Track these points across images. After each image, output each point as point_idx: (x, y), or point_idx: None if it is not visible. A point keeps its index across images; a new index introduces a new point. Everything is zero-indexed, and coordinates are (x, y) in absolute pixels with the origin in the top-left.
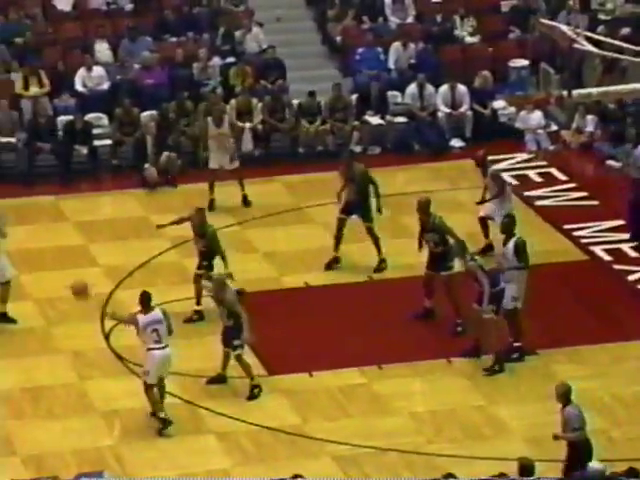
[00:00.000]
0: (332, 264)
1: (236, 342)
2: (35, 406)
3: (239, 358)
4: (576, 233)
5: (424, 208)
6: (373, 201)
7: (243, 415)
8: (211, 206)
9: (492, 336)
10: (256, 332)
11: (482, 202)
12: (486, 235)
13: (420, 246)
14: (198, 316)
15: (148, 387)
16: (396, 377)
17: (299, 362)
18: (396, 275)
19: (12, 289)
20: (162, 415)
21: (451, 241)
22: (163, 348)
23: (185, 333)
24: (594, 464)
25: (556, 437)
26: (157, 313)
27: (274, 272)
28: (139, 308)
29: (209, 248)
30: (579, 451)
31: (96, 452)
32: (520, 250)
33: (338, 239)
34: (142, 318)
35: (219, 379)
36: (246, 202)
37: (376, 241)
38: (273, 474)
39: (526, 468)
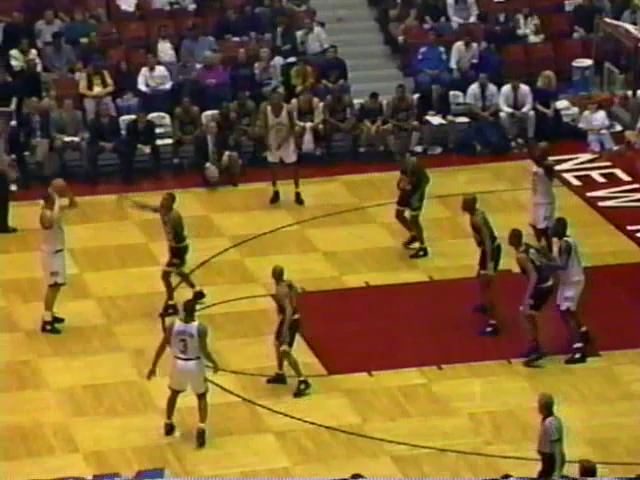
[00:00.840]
0: (410, 243)
1: (284, 337)
2: (97, 404)
3: (285, 354)
4: None
5: (469, 206)
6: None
7: (302, 414)
8: (274, 199)
9: (531, 331)
10: (316, 331)
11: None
12: (538, 238)
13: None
14: (173, 310)
15: (171, 391)
16: (456, 378)
17: (359, 361)
18: (457, 275)
19: (75, 288)
20: (167, 421)
21: (497, 241)
22: (186, 360)
23: (244, 331)
24: None
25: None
26: (193, 327)
27: (334, 272)
28: (182, 314)
29: (176, 235)
30: (553, 463)
31: (157, 450)
32: (563, 251)
33: (404, 223)
34: (177, 326)
35: (279, 379)
36: (299, 200)
37: (419, 231)
38: (332, 473)
39: (588, 470)
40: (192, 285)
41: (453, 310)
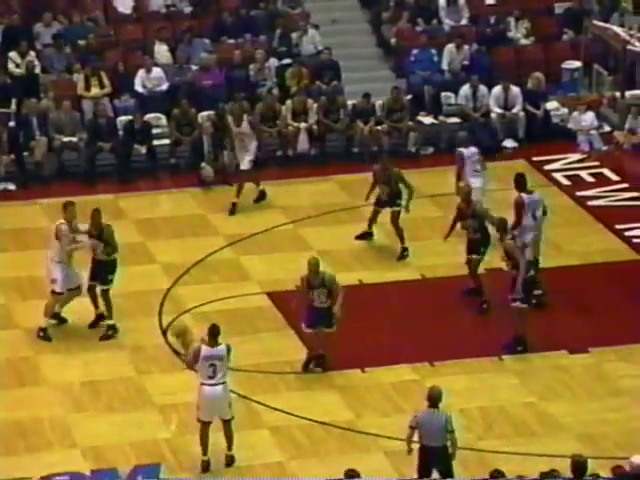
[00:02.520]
0: (362, 237)
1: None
2: (95, 400)
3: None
4: (628, 233)
5: (466, 196)
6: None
7: (297, 410)
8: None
9: (521, 325)
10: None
11: None
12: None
13: (448, 235)
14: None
15: (201, 424)
16: (447, 374)
17: (352, 358)
18: (448, 273)
19: None
20: (204, 458)
21: (489, 228)
22: (214, 385)
23: (239, 329)
24: (636, 458)
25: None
26: (222, 349)
27: (328, 270)
28: (206, 338)
29: (109, 250)
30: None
31: (153, 445)
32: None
33: (371, 221)
34: (205, 350)
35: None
36: (260, 198)
37: (399, 231)
38: (326, 468)
39: (579, 465)
40: (96, 307)
41: (444, 307)
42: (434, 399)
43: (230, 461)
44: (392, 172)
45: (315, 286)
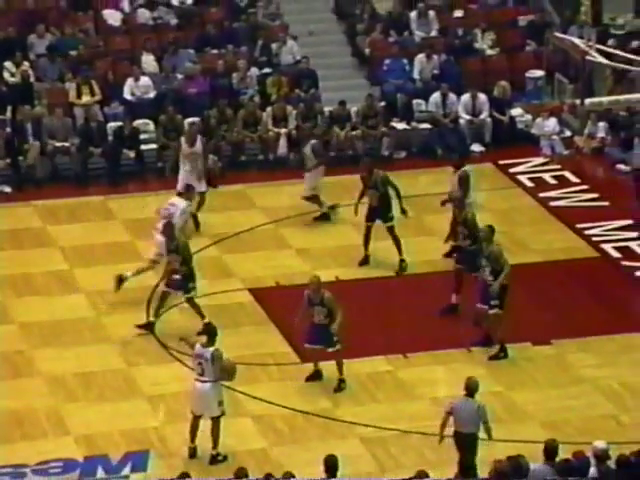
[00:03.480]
0: (364, 263)
1: (335, 338)
2: (87, 390)
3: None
4: (588, 232)
5: (458, 203)
6: (395, 203)
7: (278, 399)
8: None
9: (498, 329)
10: (291, 322)
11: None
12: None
13: (448, 239)
14: None
15: (192, 415)
16: (420, 365)
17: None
18: (420, 271)
19: (65, 282)
20: (191, 445)
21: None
22: (203, 382)
23: (223, 323)
24: (598, 443)
25: None
26: (208, 352)
27: (307, 267)
28: (205, 338)
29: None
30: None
31: (142, 433)
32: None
33: (366, 243)
34: (197, 348)
35: (316, 375)
36: (197, 224)
37: (397, 242)
38: (306, 454)
39: (550, 449)
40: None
41: (417, 303)
42: (471, 389)
43: (213, 460)
44: (378, 175)
45: (315, 303)
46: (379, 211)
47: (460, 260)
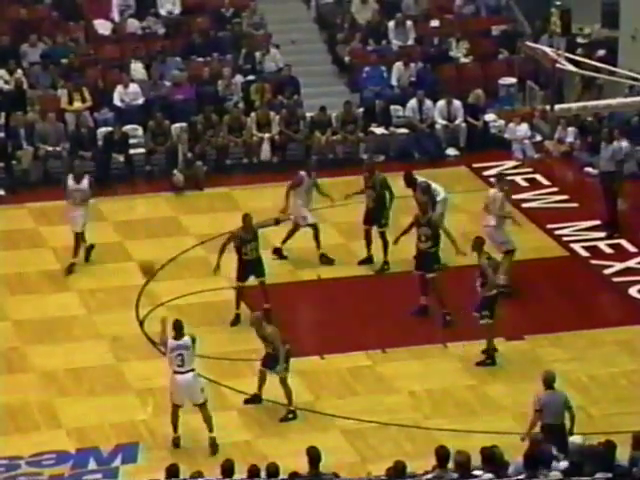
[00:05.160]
0: (365, 262)
1: (279, 367)
2: (78, 385)
3: (283, 381)
4: (558, 232)
5: (424, 191)
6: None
7: (262, 393)
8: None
9: (490, 337)
10: (274, 319)
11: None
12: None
13: (398, 240)
14: None
15: (173, 406)
16: (397, 360)
17: (312, 346)
18: (397, 269)
19: (57, 281)
20: (175, 435)
21: (443, 242)
22: (184, 373)
23: (208, 320)
24: (575, 437)
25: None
26: (186, 340)
27: (290, 266)
28: (173, 333)
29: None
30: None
31: (132, 426)
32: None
33: (368, 244)
34: (171, 343)
35: (255, 399)
36: (70, 270)
37: (385, 246)
38: (289, 445)
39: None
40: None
41: (395, 300)
42: (549, 381)
43: (212, 442)
44: (378, 177)
45: (260, 337)
46: (375, 214)
47: (418, 266)
